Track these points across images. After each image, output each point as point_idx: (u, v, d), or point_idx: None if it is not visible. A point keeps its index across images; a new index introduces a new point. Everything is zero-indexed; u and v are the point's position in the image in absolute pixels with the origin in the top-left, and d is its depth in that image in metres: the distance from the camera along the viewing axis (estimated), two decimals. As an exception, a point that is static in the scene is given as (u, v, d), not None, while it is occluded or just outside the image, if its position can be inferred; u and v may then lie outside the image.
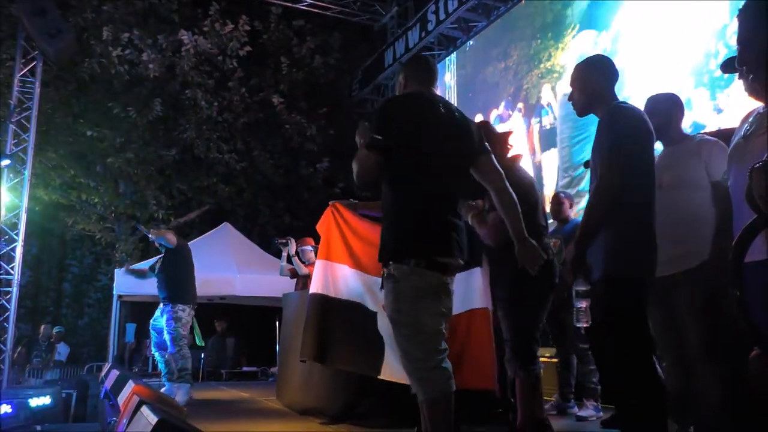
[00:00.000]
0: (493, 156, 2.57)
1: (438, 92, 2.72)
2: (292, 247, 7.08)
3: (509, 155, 3.42)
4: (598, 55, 2.77)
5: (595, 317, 2.35)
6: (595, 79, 2.58)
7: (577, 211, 5.55)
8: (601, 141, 2.42)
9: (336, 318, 4.04)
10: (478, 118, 9.26)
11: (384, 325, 3.69)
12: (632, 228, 2.36)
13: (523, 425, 3.17)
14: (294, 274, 7.14)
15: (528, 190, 3.25)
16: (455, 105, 2.74)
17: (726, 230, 2.37)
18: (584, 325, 2.39)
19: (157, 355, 6.03)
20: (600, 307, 2.35)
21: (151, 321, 6.10)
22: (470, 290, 3.67)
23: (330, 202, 4.49)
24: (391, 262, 2.37)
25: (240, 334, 10.89)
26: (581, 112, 2.65)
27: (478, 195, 3.23)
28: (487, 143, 2.58)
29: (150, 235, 6.19)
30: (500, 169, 2.57)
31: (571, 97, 2.68)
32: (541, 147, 7.92)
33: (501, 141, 3.39)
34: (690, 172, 2.76)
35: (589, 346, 2.52)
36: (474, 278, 3.68)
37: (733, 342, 2.24)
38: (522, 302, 3.18)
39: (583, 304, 2.38)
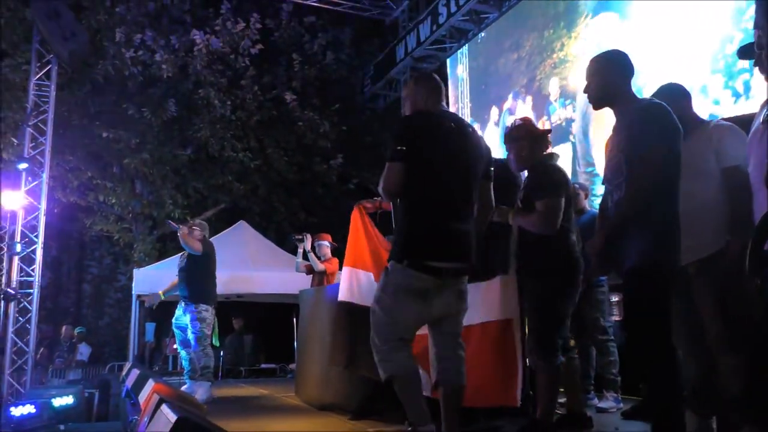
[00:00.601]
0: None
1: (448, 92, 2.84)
2: (308, 242, 7.09)
3: (546, 152, 3.43)
4: (615, 50, 2.76)
5: (630, 309, 2.39)
6: (613, 74, 2.60)
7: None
8: (633, 138, 2.43)
9: (361, 325, 3.97)
10: (493, 111, 9.22)
11: None
12: (664, 221, 2.39)
13: (543, 418, 3.15)
14: (310, 270, 7.16)
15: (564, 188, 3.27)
16: (470, 111, 2.91)
17: (743, 217, 2.34)
18: (617, 319, 2.42)
19: (182, 352, 6.06)
20: (636, 298, 2.38)
21: (174, 320, 6.14)
22: (487, 301, 3.55)
23: (356, 204, 4.43)
24: (390, 261, 2.66)
25: (258, 332, 10.96)
26: (597, 105, 2.67)
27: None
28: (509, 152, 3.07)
29: (179, 235, 6.25)
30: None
31: (586, 90, 2.69)
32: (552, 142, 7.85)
33: (541, 139, 3.42)
34: (701, 162, 2.72)
35: (625, 338, 2.52)
36: (492, 289, 3.56)
37: (752, 332, 2.21)
38: (548, 294, 3.17)
39: (616, 298, 2.42)
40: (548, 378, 3.18)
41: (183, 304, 6.02)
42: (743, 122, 2.71)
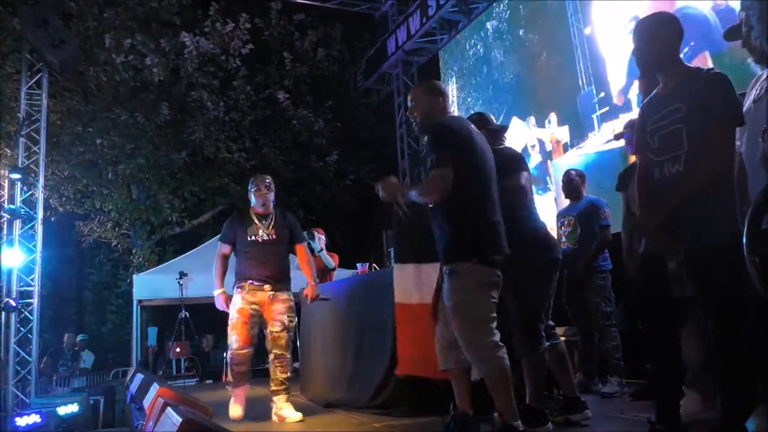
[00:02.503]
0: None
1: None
2: (321, 240, 6.83)
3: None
4: (666, 13, 2.63)
5: (719, 285, 2.21)
6: (669, 36, 2.45)
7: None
8: (706, 105, 2.28)
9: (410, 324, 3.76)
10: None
11: None
12: (729, 199, 2.28)
13: (535, 404, 3.17)
14: (322, 267, 6.63)
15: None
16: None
17: (742, 196, 2.33)
18: (685, 294, 2.29)
19: None
20: (726, 273, 2.18)
21: None
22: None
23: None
24: (456, 262, 2.78)
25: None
26: (647, 70, 2.55)
27: None
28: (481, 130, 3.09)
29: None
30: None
31: (635, 51, 2.53)
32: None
33: (495, 135, 3.47)
34: None
35: (707, 319, 2.35)
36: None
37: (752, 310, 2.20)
38: (525, 284, 3.18)
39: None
40: (534, 365, 3.19)
41: None
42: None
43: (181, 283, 8.33)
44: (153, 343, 10.61)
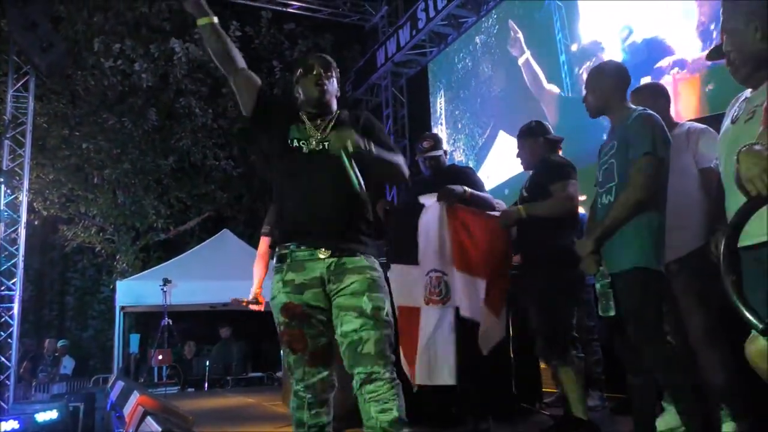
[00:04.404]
0: None
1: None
2: None
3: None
4: (612, 61, 2.94)
5: (625, 307, 2.46)
6: (610, 85, 2.71)
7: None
8: (628, 143, 2.54)
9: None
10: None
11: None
12: (652, 226, 2.49)
13: (575, 414, 3.15)
14: None
15: None
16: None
17: (718, 215, 2.38)
18: (608, 314, 2.49)
19: None
20: (631, 297, 2.46)
21: None
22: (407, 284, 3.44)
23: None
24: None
25: (244, 340, 10.90)
26: (594, 114, 2.81)
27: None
28: None
29: None
30: None
31: (584, 100, 2.82)
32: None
33: (553, 145, 3.53)
34: (678, 161, 2.79)
35: (615, 335, 2.60)
36: (407, 274, 3.44)
37: (732, 327, 2.25)
38: (554, 291, 3.15)
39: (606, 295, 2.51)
40: (570, 373, 3.15)
41: None
42: (713, 122, 2.78)
43: (164, 289, 8.28)
44: (135, 350, 10.52)
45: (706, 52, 2.62)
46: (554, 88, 7.53)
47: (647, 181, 2.45)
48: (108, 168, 11.15)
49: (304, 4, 11.89)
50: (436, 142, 3.70)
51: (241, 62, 2.31)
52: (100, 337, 15.48)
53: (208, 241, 10.46)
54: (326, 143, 2.20)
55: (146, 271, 10.14)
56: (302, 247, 2.15)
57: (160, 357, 9.06)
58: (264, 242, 4.19)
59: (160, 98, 11.48)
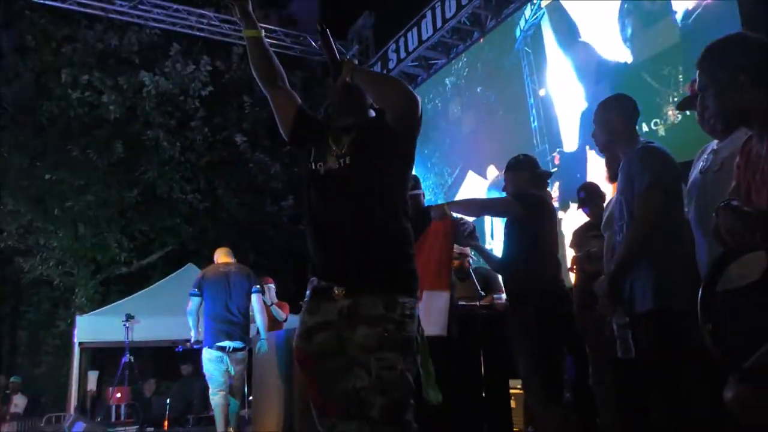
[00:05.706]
0: None
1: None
2: (270, 291, 6.74)
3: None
4: (620, 94, 2.87)
5: (644, 349, 2.39)
6: (617, 119, 2.67)
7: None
8: (633, 178, 2.49)
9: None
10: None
11: None
12: (668, 262, 2.41)
13: None
14: (272, 319, 6.40)
15: None
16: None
17: (689, 263, 2.45)
18: (628, 356, 2.43)
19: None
20: (650, 339, 2.38)
21: None
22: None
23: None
24: None
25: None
26: (603, 149, 2.79)
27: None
28: None
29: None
30: None
31: (593, 135, 2.78)
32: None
33: (543, 180, 3.54)
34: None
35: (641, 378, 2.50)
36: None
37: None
38: (545, 330, 3.05)
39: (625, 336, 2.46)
40: (555, 418, 3.08)
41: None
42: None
43: (127, 325, 8.09)
44: (93, 387, 10.19)
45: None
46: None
47: (651, 215, 2.42)
48: (70, 200, 10.92)
49: (275, 41, 11.99)
50: (416, 182, 3.75)
51: (283, 80, 2.21)
52: (54, 373, 14.92)
53: (172, 275, 10.27)
54: (345, 159, 1.97)
55: (107, 306, 9.89)
56: (322, 282, 1.92)
57: (119, 395, 8.79)
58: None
59: (126, 130, 11.35)
